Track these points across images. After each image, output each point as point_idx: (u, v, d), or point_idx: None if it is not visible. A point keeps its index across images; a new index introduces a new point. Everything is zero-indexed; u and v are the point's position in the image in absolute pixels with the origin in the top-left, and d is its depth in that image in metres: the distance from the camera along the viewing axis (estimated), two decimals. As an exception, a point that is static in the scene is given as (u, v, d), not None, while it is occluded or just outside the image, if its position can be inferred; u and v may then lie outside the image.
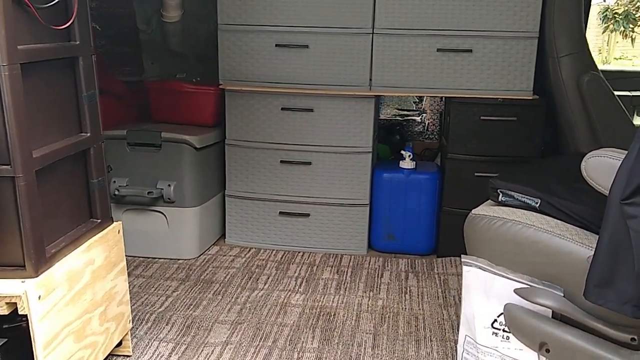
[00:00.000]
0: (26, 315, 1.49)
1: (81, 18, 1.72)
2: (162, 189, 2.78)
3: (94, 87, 1.79)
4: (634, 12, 6.98)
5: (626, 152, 1.50)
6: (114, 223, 1.93)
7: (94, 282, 1.78)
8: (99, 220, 1.85)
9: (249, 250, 3.02)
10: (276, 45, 2.86)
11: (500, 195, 1.88)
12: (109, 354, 1.93)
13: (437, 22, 2.75)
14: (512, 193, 1.85)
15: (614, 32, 7.26)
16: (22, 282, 1.51)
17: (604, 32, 7.11)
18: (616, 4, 6.83)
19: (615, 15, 6.90)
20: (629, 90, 3.45)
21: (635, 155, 1.43)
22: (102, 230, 1.85)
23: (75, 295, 1.68)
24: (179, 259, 2.87)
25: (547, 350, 1.73)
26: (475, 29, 2.74)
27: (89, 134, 1.78)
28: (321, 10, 2.80)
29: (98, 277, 1.80)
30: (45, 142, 1.62)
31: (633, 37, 7.31)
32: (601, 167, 1.54)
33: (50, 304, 1.56)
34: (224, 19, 2.88)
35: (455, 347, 2.15)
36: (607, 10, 6.83)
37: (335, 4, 2.78)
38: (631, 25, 7.15)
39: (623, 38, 7.33)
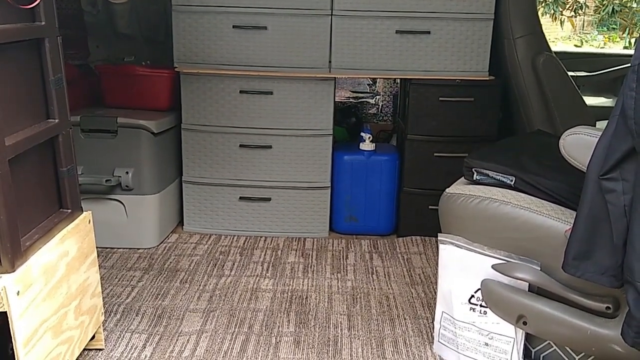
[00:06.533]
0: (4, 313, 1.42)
1: (46, -4, 1.63)
2: (120, 176, 2.68)
3: (60, 71, 1.70)
4: (563, -4, 7.29)
5: (600, 130, 1.56)
6: (84, 213, 1.84)
7: (68, 274, 1.70)
8: (69, 211, 1.76)
9: (210, 237, 2.97)
10: (233, 27, 2.79)
11: (475, 174, 1.92)
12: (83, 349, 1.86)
13: (395, 3, 2.76)
14: (487, 171, 1.89)
15: (544, 15, 7.51)
16: (-1, 277, 1.43)
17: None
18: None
19: (546, -1, 7.17)
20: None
21: (612, 132, 1.48)
22: (73, 221, 1.77)
23: (51, 290, 1.60)
24: (139, 249, 2.78)
25: (525, 323, 1.79)
26: (433, 11, 2.76)
27: (57, 120, 1.69)
28: (280, -9, 2.76)
29: (72, 269, 1.72)
30: (15, 129, 1.52)
31: (562, 19, 7.61)
32: (579, 144, 1.60)
33: (29, 299, 1.49)
34: (178, -1, 2.80)
35: (429, 324, 2.20)
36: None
37: (294, -15, 2.75)
38: (560, 9, 7.44)
39: (553, 21, 7.61)
